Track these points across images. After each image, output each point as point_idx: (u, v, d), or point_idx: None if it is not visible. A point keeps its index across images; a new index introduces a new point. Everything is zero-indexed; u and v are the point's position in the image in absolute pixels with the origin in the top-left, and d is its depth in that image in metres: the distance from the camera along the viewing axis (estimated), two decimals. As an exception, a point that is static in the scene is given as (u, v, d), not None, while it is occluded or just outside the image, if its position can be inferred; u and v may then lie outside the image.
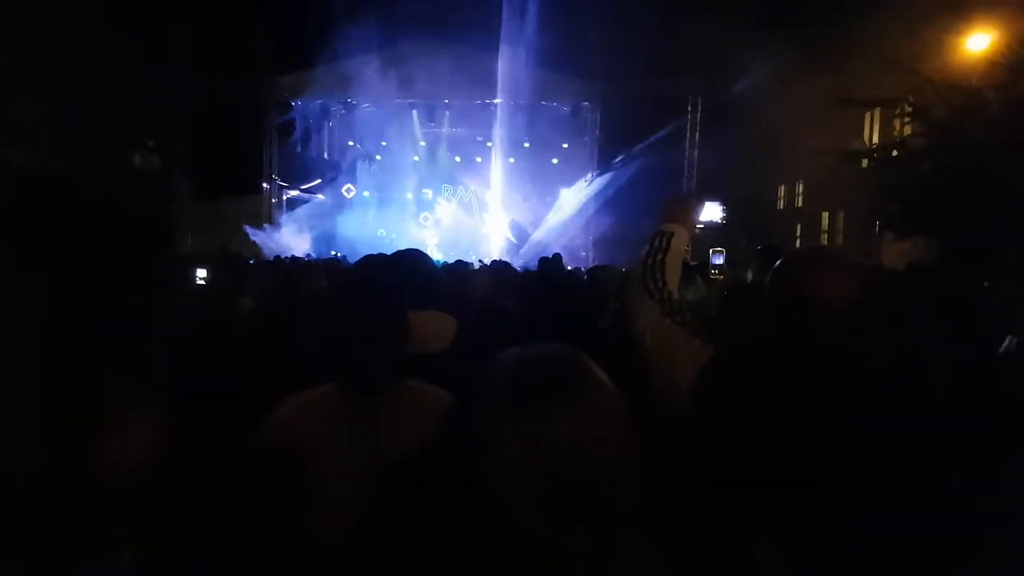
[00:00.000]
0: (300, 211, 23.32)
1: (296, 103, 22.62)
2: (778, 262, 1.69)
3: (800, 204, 24.26)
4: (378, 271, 2.56)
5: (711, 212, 19.45)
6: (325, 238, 22.01)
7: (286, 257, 12.77)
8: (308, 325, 2.66)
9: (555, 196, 23.83)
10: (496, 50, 20.29)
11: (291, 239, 21.97)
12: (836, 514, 1.33)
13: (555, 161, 23.73)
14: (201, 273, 7.25)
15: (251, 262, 10.05)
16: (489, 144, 23.32)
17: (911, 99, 8.73)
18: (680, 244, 1.96)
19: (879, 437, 1.37)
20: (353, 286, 2.48)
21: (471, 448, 1.20)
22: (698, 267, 5.56)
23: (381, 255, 3.40)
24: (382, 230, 22.36)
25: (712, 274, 10.12)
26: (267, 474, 1.94)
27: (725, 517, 1.24)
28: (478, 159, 23.69)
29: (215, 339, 3.64)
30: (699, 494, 1.28)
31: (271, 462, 1.94)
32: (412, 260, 2.69)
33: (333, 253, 18.39)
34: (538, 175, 23.21)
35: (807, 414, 1.42)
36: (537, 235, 21.74)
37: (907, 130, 9.33)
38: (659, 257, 1.92)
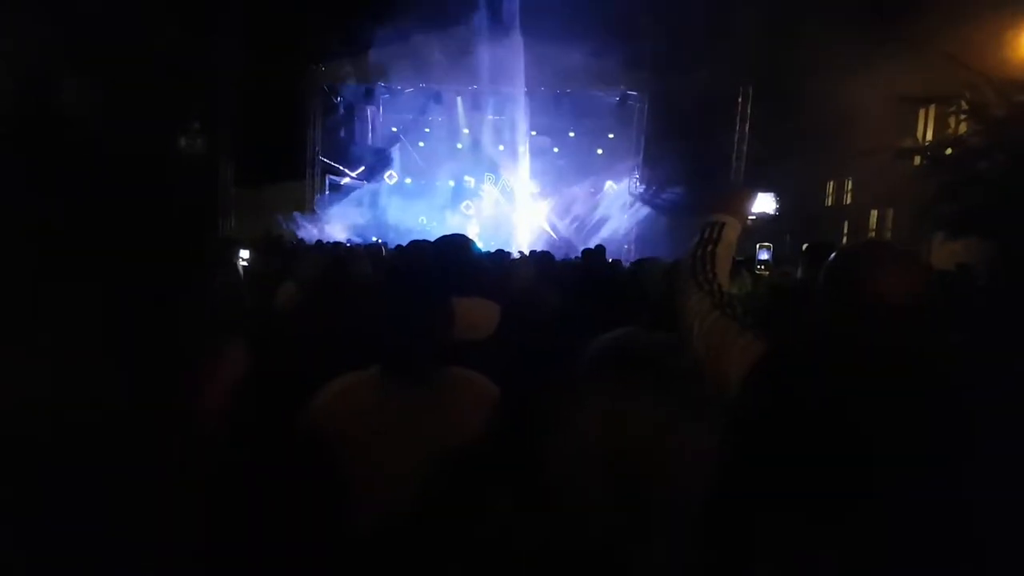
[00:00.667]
0: (343, 197, 23.51)
1: (340, 89, 22.74)
2: (833, 256, 1.64)
3: (848, 201, 23.77)
4: (423, 257, 2.57)
5: (764, 204, 19.12)
6: (367, 224, 22.20)
7: (328, 243, 12.91)
8: (353, 310, 2.68)
9: (599, 188, 23.69)
10: (544, 37, 20.16)
11: (333, 225, 22.21)
12: (889, 518, 1.30)
13: (600, 152, 23.52)
14: (244, 255, 7.35)
15: (294, 246, 10.19)
16: (534, 133, 23.25)
17: (967, 96, 8.48)
18: (732, 235, 1.92)
19: (937, 441, 1.33)
20: (398, 271, 2.50)
21: (523, 433, 1.19)
22: (744, 262, 5.47)
23: (425, 241, 3.41)
24: (423, 217, 22.44)
25: (758, 269, 9.97)
26: (308, 458, 1.96)
27: (773, 517, 1.22)
28: (522, 148, 23.64)
29: (259, 321, 3.69)
30: (746, 493, 1.25)
31: (312, 446, 1.97)
32: (457, 246, 2.69)
33: (374, 239, 18.53)
34: (583, 165, 23.03)
35: (863, 413, 1.38)
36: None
37: (962, 128, 9.09)
38: (709, 248, 1.87)
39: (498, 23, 20.08)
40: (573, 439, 0.94)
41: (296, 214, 21.41)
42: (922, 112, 17.38)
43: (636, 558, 0.93)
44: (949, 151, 8.42)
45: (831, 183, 24.85)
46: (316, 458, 1.97)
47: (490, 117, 23.00)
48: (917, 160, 10.29)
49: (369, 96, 23.00)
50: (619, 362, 0.99)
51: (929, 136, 16.57)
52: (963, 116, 9.03)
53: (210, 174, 20.28)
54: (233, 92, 19.61)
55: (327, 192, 23.58)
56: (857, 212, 22.36)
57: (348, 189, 23.87)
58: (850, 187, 23.70)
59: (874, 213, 21.20)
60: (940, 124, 15.60)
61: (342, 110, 23.28)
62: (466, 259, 2.71)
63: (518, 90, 21.54)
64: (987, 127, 7.13)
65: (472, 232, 20.64)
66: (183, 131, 19.66)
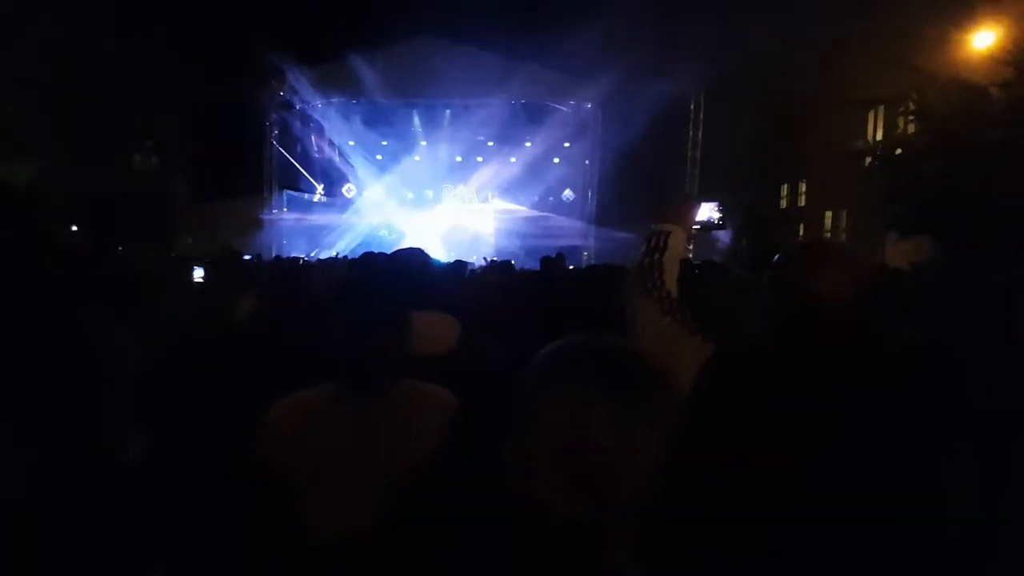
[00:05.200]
0: (301, 212, 23.31)
1: (296, 102, 22.58)
2: (777, 256, 1.68)
3: (803, 203, 24.20)
4: (377, 270, 2.55)
5: (707, 212, 19.38)
6: (325, 238, 22.03)
7: (286, 258, 12.75)
8: (309, 324, 2.64)
9: (558, 196, 23.82)
10: (498, 48, 20.27)
11: (291, 240, 21.99)
12: (840, 518, 1.32)
13: (556, 161, 23.69)
14: (199, 273, 7.23)
15: (251, 261, 10.05)
16: (491, 144, 23.29)
17: (914, 97, 8.71)
18: (677, 243, 1.97)
19: (885, 438, 1.35)
20: (351, 284, 2.47)
21: (486, 442, 1.18)
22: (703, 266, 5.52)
23: (380, 254, 3.38)
24: (384, 230, 22.37)
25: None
26: (264, 474, 1.93)
27: (725, 520, 1.23)
28: (479, 159, 23.67)
29: (215, 338, 3.62)
30: (699, 495, 1.26)
31: (267, 463, 1.93)
32: (412, 259, 2.67)
33: (334, 253, 18.37)
34: (540, 174, 23.16)
35: (811, 412, 1.41)
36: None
37: (910, 129, 9.31)
38: (656, 256, 1.92)
39: (452, 34, 20.15)
40: (530, 448, 0.93)
41: (252, 230, 21.16)
42: (871, 114, 17.79)
43: (600, 563, 0.93)
44: (898, 152, 8.63)
45: (785, 186, 25.29)
46: (271, 473, 1.94)
47: (446, 128, 23.00)
48: (867, 161, 10.52)
49: (325, 110, 22.86)
50: (573, 365, 0.96)
51: (879, 138, 16.96)
52: (910, 117, 9.27)
53: (164, 191, 19.97)
54: (186, 109, 19.35)
55: (285, 207, 23.34)
56: (812, 214, 22.77)
57: (305, 203, 23.66)
58: (803, 189, 24.14)
59: (828, 215, 21.61)
60: (889, 126, 15.98)
61: (298, 124, 23.11)
62: (423, 272, 2.69)
63: (473, 101, 21.62)
64: (933, 128, 7.33)
65: (431, 242, 20.60)
66: (136, 149, 19.34)
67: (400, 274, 2.57)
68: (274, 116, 22.69)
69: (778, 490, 1.37)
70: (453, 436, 1.95)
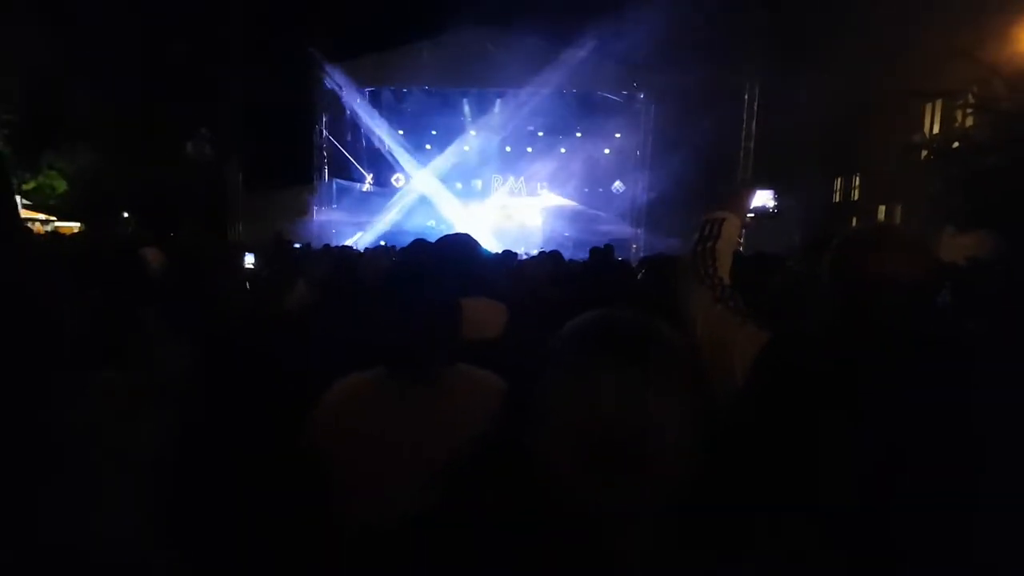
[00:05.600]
0: (350, 201, 23.55)
1: (346, 92, 22.80)
2: (837, 240, 1.60)
3: (856, 198, 23.68)
4: (426, 256, 2.58)
5: (762, 199, 19.07)
6: (375, 228, 22.22)
7: (336, 247, 12.93)
8: (360, 311, 2.69)
9: (608, 187, 23.66)
10: (549, 36, 20.15)
11: (341, 229, 22.26)
12: (889, 510, 1.29)
13: (607, 151, 23.50)
14: (249, 259, 7.38)
15: (301, 249, 10.23)
16: (541, 134, 23.19)
17: (975, 91, 8.45)
18: (731, 231, 1.95)
19: (944, 431, 1.32)
20: (403, 271, 2.51)
21: (525, 422, 1.18)
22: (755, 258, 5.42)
23: (427, 241, 3.42)
24: (432, 220, 22.45)
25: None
26: (312, 457, 1.96)
27: (773, 507, 1.21)
28: (529, 149, 23.60)
29: (269, 323, 3.71)
30: (749, 485, 1.25)
31: (317, 445, 1.95)
32: (462, 246, 2.69)
33: (382, 243, 18.53)
34: (590, 165, 23.00)
35: (869, 401, 1.37)
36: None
37: (968, 123, 9.06)
38: (710, 244, 1.91)
39: (503, 21, 20.07)
40: (557, 425, 0.91)
41: (303, 219, 21.49)
42: (928, 107, 17.31)
43: (629, 545, 0.91)
44: (956, 146, 8.41)
45: (839, 179, 24.76)
46: (318, 457, 1.98)
47: (496, 117, 22.94)
48: (924, 155, 10.25)
49: (375, 99, 23.03)
50: (598, 340, 0.93)
51: (936, 131, 16.49)
52: (969, 111, 9.01)
53: (218, 179, 20.43)
54: (240, 97, 19.72)
55: (334, 196, 23.62)
56: (865, 208, 22.27)
57: (355, 193, 23.91)
58: (858, 183, 23.63)
59: (882, 209, 21.11)
60: (946, 119, 15.54)
61: (348, 113, 23.30)
62: (470, 258, 2.71)
63: (523, 90, 21.54)
64: (996, 122, 7.11)
65: (480, 233, 20.59)
66: (190, 138, 19.82)
67: (448, 260, 2.59)
68: (325, 105, 22.92)
69: (834, 484, 1.34)
70: (502, 422, 1.97)
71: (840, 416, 1.38)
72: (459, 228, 20.28)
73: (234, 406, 2.45)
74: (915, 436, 1.33)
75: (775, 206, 19.64)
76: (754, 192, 2.23)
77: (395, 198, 23.32)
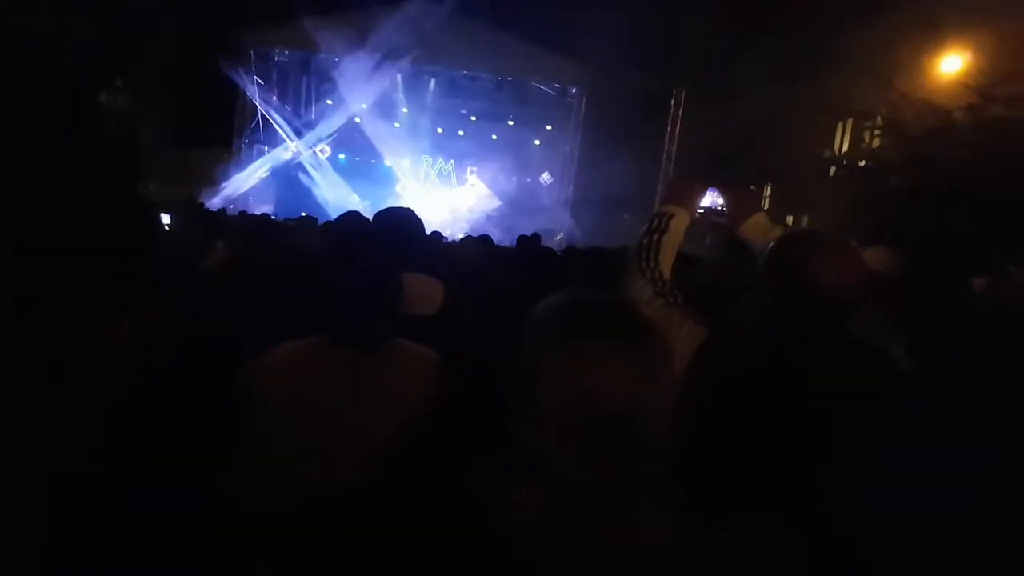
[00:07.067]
0: (271, 168, 22.78)
1: (276, 55, 21.98)
2: (774, 244, 1.67)
3: (766, 207, 24.51)
4: (372, 228, 2.57)
5: (711, 198, 19.50)
6: (295, 198, 21.57)
7: (252, 214, 12.53)
8: (295, 279, 2.66)
9: (536, 178, 23.74)
10: (489, 21, 20.01)
11: (258, 195, 21.54)
12: (834, 493, 1.35)
13: (537, 143, 23.54)
14: (165, 220, 7.12)
15: (217, 213, 9.93)
16: (474, 118, 23.02)
17: (884, 112, 8.94)
18: (679, 226, 1.98)
19: (877, 419, 1.40)
20: (351, 240, 2.51)
21: (470, 400, 1.20)
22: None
23: (359, 214, 3.40)
24: (356, 196, 21.96)
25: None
26: (247, 422, 1.89)
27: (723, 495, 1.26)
28: (460, 132, 23.39)
29: (190, 282, 3.62)
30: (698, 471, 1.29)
31: (253, 410, 1.90)
32: (404, 220, 2.70)
33: (303, 214, 18.03)
34: (521, 154, 22.98)
35: (806, 395, 1.43)
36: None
37: (875, 143, 9.52)
38: (655, 237, 1.92)
39: (445, 2, 19.76)
40: (542, 402, 0.91)
41: (220, 182, 20.70)
42: (839, 125, 18.13)
43: (620, 519, 0.92)
44: (863, 164, 8.86)
45: (752, 188, 25.52)
46: (255, 422, 1.94)
47: (430, 98, 22.61)
48: (832, 170, 10.75)
49: (305, 66, 22.30)
50: (577, 317, 0.95)
51: (845, 149, 17.27)
52: (877, 132, 9.51)
53: (132, 134, 19.42)
54: (161, 51, 18.82)
55: (255, 161, 22.79)
56: (775, 218, 23.06)
57: (276, 160, 23.12)
58: (768, 193, 24.49)
59: (790, 219, 21.97)
60: (856, 139, 16.29)
61: (276, 78, 22.50)
62: (412, 233, 2.73)
63: (461, 72, 21.31)
64: (900, 143, 7.54)
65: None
66: (105, 87, 18.76)
67: (391, 233, 2.60)
68: (251, 68, 22.04)
69: (770, 470, 1.38)
70: (437, 395, 1.99)
71: (776, 415, 1.42)
72: (384, 207, 19.87)
73: (163, 367, 2.39)
74: (847, 433, 1.39)
75: (722, 205, 20.08)
76: (706, 189, 2.28)
77: (319, 169, 22.63)
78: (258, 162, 22.20)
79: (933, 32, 11.21)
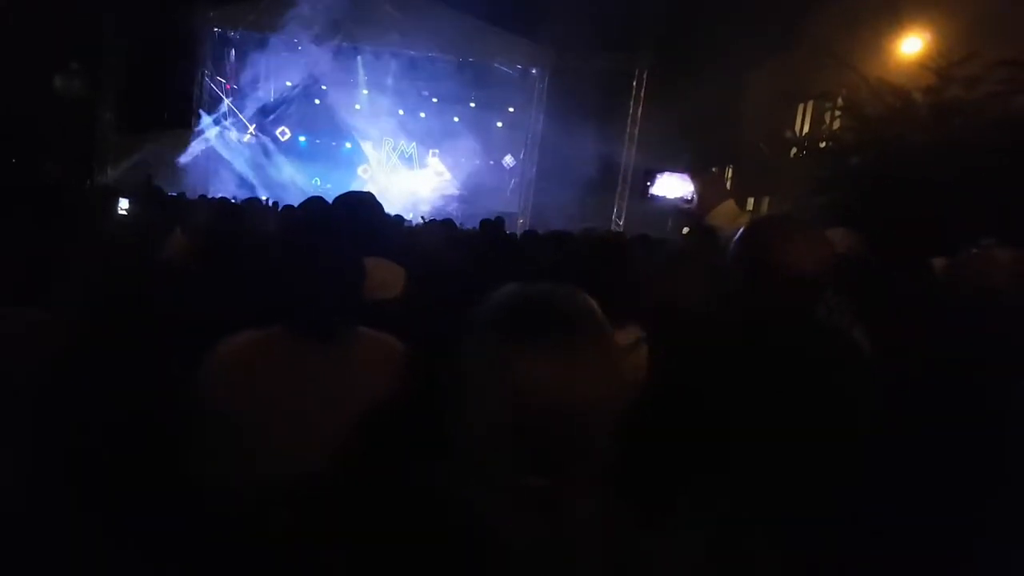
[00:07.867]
0: (230, 151, 22.36)
1: (234, 35, 21.53)
2: (745, 229, 1.68)
3: (728, 188, 24.71)
4: (334, 212, 2.52)
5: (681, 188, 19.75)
6: (255, 181, 21.26)
7: (213, 197, 12.31)
8: (255, 264, 2.60)
9: (499, 160, 23.65)
10: (449, 1, 19.82)
11: (217, 180, 21.16)
12: (802, 477, 1.36)
13: (500, 125, 23.45)
14: (124, 205, 6.95)
15: (175, 197, 9.72)
16: (435, 100, 22.83)
17: (844, 94, 9.04)
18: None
19: (844, 401, 1.42)
20: (310, 225, 2.46)
21: (433, 390, 1.17)
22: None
23: (322, 199, 3.35)
24: (317, 179, 21.70)
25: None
26: (207, 414, 1.84)
27: (681, 471, 1.27)
28: (422, 114, 23.19)
29: (146, 270, 3.53)
30: (661, 451, 1.30)
31: (212, 401, 1.86)
32: (365, 204, 2.66)
33: (264, 198, 17.79)
34: (483, 136, 22.83)
35: (774, 378, 1.44)
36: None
37: (836, 124, 9.64)
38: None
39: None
40: (480, 397, 0.91)
41: (177, 164, 20.29)
42: (800, 107, 18.34)
43: (562, 517, 0.92)
44: (823, 145, 8.95)
45: (712, 170, 25.72)
46: (213, 414, 1.89)
47: (391, 79, 22.35)
48: (793, 152, 10.88)
49: (263, 46, 21.88)
50: (517, 312, 0.94)
51: (806, 131, 17.48)
52: (838, 113, 9.61)
53: (88, 118, 18.93)
54: (115, 31, 18.31)
55: (213, 143, 22.33)
56: (736, 199, 23.32)
57: (235, 144, 22.71)
58: (730, 174, 24.74)
59: (750, 201, 22.22)
60: (816, 120, 16.51)
61: (234, 59, 22.05)
62: (373, 217, 2.69)
63: (421, 53, 21.10)
64: (861, 125, 7.62)
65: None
66: (59, 71, 18.20)
67: (352, 217, 2.56)
68: (208, 47, 21.58)
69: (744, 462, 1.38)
70: (400, 384, 1.96)
71: (743, 398, 1.43)
72: (345, 189, 19.66)
73: (120, 358, 2.33)
74: (815, 416, 1.41)
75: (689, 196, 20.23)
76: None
77: (280, 152, 22.30)
78: (201, 139, 21.69)
79: (893, 14, 11.37)
